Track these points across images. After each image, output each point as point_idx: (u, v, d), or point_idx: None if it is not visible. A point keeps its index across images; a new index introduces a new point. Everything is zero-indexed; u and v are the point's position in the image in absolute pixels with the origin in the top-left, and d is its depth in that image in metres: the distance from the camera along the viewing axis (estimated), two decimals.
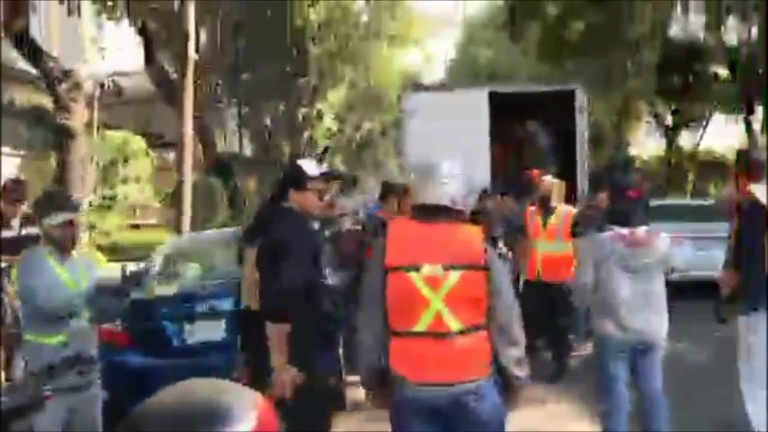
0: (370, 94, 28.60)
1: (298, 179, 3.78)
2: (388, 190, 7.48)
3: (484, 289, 2.98)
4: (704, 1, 19.12)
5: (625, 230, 4.44)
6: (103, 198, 15.96)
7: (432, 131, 9.78)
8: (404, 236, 3.09)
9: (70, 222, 3.95)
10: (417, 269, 2.95)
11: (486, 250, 3.03)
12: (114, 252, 13.41)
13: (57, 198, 4.29)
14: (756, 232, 4.58)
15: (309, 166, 3.86)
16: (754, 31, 19.67)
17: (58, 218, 3.90)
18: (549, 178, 7.48)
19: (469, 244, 3.02)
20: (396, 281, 2.97)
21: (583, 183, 10.26)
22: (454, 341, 2.94)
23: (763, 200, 4.59)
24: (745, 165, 4.87)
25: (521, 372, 3.09)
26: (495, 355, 3.05)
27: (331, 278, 4.31)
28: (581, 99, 10.60)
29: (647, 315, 4.42)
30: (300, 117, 24.81)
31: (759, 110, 22.61)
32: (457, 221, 3.09)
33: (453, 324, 2.94)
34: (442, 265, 2.94)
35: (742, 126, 23.37)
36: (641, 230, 4.46)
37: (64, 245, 3.93)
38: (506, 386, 3.10)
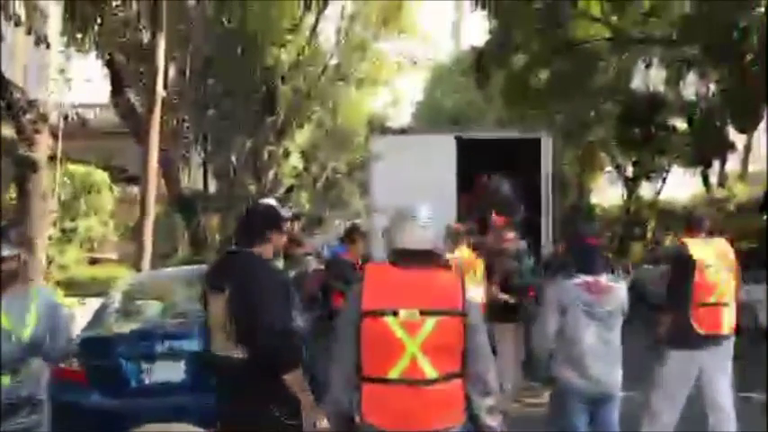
0: (337, 134, 28.73)
1: (276, 221, 3.79)
2: (355, 232, 7.44)
3: (460, 335, 2.94)
4: (665, 56, 19.66)
5: (590, 278, 4.48)
6: (63, 231, 15.61)
7: (398, 173, 9.82)
8: (381, 280, 3.04)
9: (17, 257, 3.78)
10: (394, 314, 2.90)
11: (464, 296, 2.99)
12: (71, 287, 13.09)
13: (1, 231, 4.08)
14: (684, 279, 5.30)
15: (281, 208, 3.91)
16: (712, 87, 20.26)
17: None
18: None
19: (447, 289, 2.99)
20: (372, 325, 2.92)
21: (548, 229, 10.34)
22: (429, 389, 2.89)
23: (692, 252, 5.32)
24: (687, 220, 5.81)
25: (493, 421, 3.05)
26: (467, 403, 3.00)
27: (298, 320, 4.23)
28: (546, 147, 10.76)
29: (610, 364, 4.45)
30: (267, 155, 24.74)
31: (716, 164, 23.19)
32: (437, 266, 3.06)
33: (429, 371, 2.89)
34: (420, 309, 2.90)
35: (700, 179, 23.97)
36: (604, 278, 4.52)
37: (5, 281, 3.71)
38: None
